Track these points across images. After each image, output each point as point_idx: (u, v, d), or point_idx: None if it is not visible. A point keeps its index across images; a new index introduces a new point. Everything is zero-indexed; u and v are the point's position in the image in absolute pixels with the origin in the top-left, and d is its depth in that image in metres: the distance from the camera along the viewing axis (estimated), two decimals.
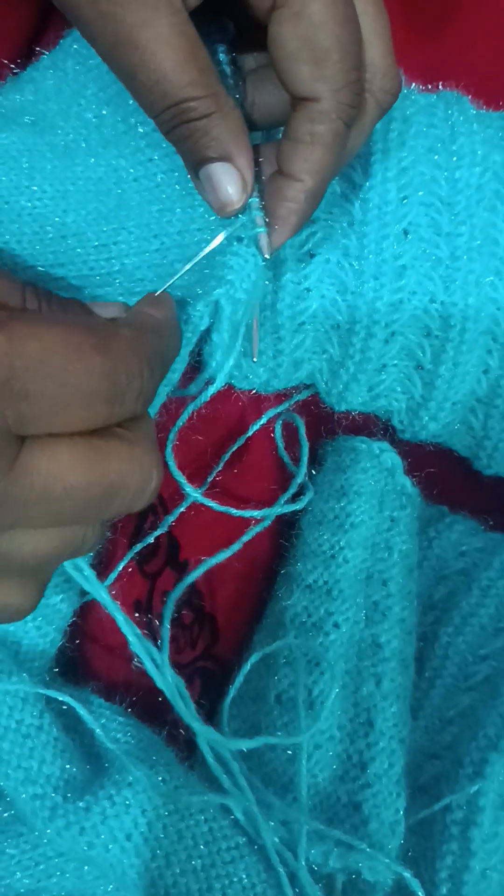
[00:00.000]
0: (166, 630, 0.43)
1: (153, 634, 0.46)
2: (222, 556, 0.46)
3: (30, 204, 0.42)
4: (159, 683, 0.42)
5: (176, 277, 0.39)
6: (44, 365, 0.30)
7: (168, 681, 0.42)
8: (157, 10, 0.33)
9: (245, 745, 0.41)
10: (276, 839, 0.39)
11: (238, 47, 0.41)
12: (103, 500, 0.32)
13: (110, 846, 0.38)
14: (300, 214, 0.39)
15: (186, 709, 0.42)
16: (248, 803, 0.40)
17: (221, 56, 0.40)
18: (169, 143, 0.38)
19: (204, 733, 0.41)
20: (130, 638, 0.42)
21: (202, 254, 0.39)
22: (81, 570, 0.41)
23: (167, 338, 0.36)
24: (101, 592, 0.42)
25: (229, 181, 0.37)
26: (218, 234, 0.39)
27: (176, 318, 0.38)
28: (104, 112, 0.43)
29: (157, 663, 0.42)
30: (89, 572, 0.42)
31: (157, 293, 0.38)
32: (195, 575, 0.46)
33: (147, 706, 0.45)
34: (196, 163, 0.37)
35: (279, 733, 0.42)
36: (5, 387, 0.29)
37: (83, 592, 0.45)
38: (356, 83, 0.37)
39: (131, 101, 0.38)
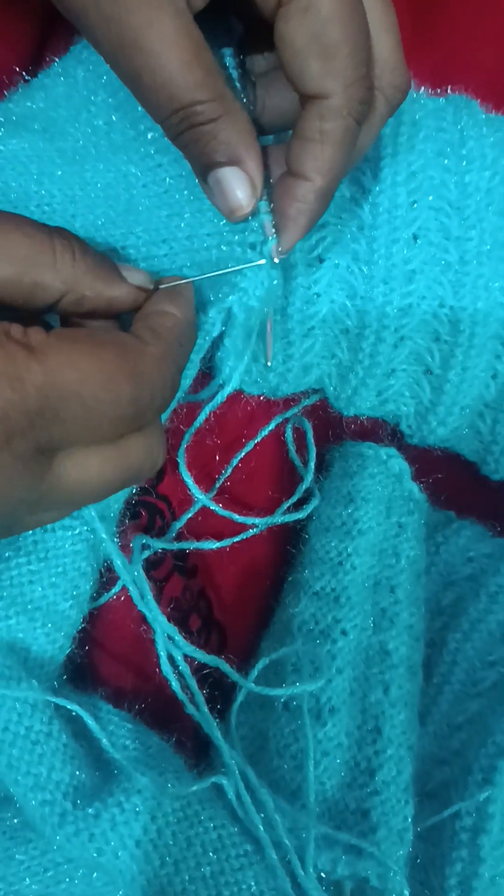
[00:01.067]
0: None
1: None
2: (215, 545, 0.48)
3: (39, 209, 0.42)
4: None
5: (183, 280, 0.39)
6: (77, 396, 0.31)
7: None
8: (160, 11, 0.33)
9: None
10: (277, 836, 0.39)
11: (246, 49, 0.41)
12: (123, 486, 0.37)
13: (120, 853, 0.38)
14: (311, 215, 0.38)
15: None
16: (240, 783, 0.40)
17: (228, 60, 0.40)
18: (176, 148, 0.37)
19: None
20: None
21: (225, 271, 0.40)
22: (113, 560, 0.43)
23: (187, 340, 0.37)
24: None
25: (238, 185, 0.37)
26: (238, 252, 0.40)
27: (194, 311, 0.39)
28: (113, 118, 0.43)
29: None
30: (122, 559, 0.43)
31: (182, 282, 0.39)
32: (177, 526, 0.49)
33: (156, 713, 0.45)
34: (204, 168, 0.37)
35: (287, 742, 0.42)
36: (40, 416, 0.31)
37: (92, 599, 0.45)
38: (366, 78, 0.36)
39: (140, 108, 0.38)
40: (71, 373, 0.31)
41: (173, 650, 0.43)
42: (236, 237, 0.41)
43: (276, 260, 0.39)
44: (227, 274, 0.40)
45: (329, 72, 0.35)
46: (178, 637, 0.43)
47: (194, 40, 0.34)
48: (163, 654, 0.43)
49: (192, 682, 0.43)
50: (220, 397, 0.43)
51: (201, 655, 0.43)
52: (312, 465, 0.49)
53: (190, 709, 0.43)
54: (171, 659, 0.43)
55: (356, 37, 0.35)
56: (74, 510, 0.38)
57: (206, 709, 0.43)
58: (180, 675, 0.43)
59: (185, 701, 0.43)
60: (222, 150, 0.36)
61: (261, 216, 0.39)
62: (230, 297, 0.40)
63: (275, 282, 0.40)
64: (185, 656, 0.43)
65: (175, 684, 0.43)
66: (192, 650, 0.43)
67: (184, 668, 0.44)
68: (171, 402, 0.36)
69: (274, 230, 0.39)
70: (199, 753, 0.44)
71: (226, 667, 0.43)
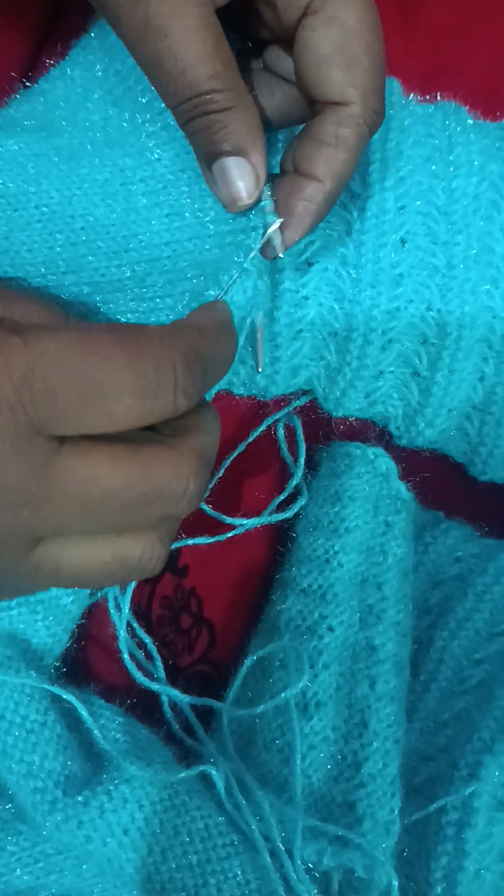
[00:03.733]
0: None
1: (150, 633, 0.47)
2: (200, 541, 0.48)
3: (38, 210, 0.42)
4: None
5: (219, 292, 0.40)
6: (61, 361, 0.30)
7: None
8: (188, 1, 0.34)
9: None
10: (265, 826, 0.40)
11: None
12: (141, 504, 0.33)
13: (108, 840, 0.38)
14: (317, 215, 0.39)
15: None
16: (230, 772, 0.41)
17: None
18: (184, 134, 0.38)
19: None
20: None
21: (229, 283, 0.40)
22: None
23: (213, 336, 0.36)
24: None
25: (242, 176, 0.37)
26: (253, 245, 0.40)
27: (229, 322, 0.38)
28: (110, 112, 0.44)
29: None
30: None
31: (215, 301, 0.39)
32: None
33: (146, 707, 0.45)
34: (211, 155, 0.38)
35: (274, 736, 0.43)
36: (25, 387, 0.30)
37: (92, 594, 0.46)
38: (381, 89, 0.38)
39: (139, 100, 0.39)
40: (51, 342, 0.30)
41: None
42: (239, 237, 0.42)
43: (282, 255, 0.40)
44: (216, 268, 0.40)
45: (350, 81, 0.37)
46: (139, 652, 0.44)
47: (216, 32, 0.35)
48: (138, 674, 0.44)
49: (175, 692, 0.44)
50: (207, 397, 0.44)
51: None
52: (302, 460, 0.49)
53: (168, 712, 0.44)
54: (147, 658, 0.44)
55: (377, 49, 0.37)
56: (82, 528, 0.33)
57: (189, 710, 0.44)
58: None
59: (169, 713, 0.44)
60: (231, 140, 0.37)
61: (265, 216, 0.40)
62: (209, 292, 0.41)
63: (262, 286, 0.41)
64: (178, 657, 0.44)
65: (161, 692, 0.44)
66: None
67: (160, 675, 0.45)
68: (200, 394, 0.34)
69: (277, 228, 0.40)
70: (189, 747, 0.44)
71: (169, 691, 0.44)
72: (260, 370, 0.47)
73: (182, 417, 0.35)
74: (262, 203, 0.39)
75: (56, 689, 0.40)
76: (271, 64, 0.41)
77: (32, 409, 0.30)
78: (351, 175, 0.39)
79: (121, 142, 0.43)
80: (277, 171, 0.42)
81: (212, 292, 0.42)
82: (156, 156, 0.43)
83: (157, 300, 0.43)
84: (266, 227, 0.40)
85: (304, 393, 0.52)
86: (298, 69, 0.38)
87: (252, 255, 0.40)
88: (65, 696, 0.40)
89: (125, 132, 0.44)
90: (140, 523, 0.34)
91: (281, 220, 0.39)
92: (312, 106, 0.39)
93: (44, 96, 0.45)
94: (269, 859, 0.38)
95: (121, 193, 0.43)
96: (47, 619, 0.43)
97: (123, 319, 0.44)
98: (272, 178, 0.40)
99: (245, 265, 0.40)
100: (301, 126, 0.40)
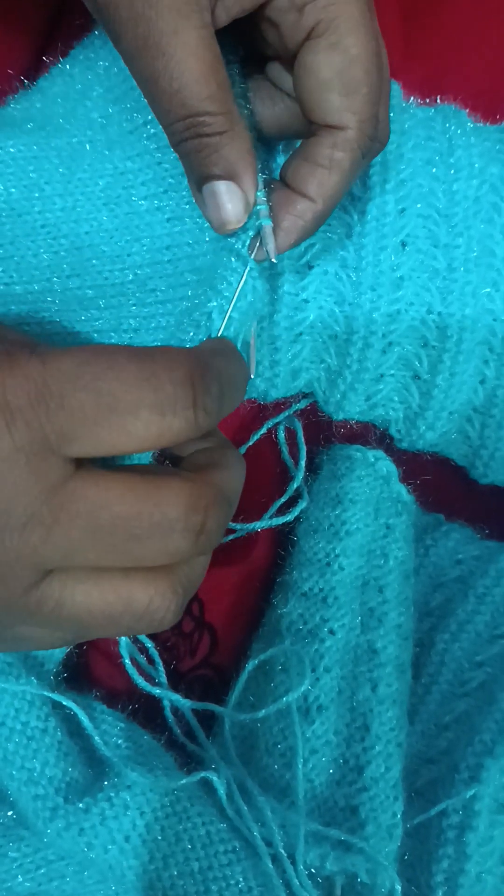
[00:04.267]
0: None
1: (152, 637, 0.47)
2: None
3: (41, 216, 0.43)
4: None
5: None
6: (77, 378, 0.30)
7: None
8: (188, 21, 0.34)
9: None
10: (267, 832, 0.40)
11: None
12: (153, 535, 0.32)
13: (109, 847, 0.38)
14: (303, 231, 0.40)
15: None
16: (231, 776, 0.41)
17: (237, 78, 0.41)
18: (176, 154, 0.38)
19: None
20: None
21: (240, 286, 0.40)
22: None
23: (228, 358, 0.36)
24: None
25: (231, 199, 0.38)
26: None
27: (236, 349, 0.38)
28: (110, 110, 0.44)
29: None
30: None
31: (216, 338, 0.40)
32: None
33: (148, 714, 0.45)
34: (201, 178, 0.38)
35: (276, 740, 0.43)
36: (41, 402, 0.30)
37: None
38: (376, 118, 0.38)
39: (141, 100, 0.38)
40: (68, 360, 0.30)
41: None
42: (235, 244, 0.42)
43: (274, 260, 0.40)
44: (215, 281, 0.40)
45: (348, 107, 0.37)
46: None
47: (213, 54, 0.35)
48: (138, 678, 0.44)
49: (176, 696, 0.44)
50: None
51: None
52: (303, 463, 0.49)
53: (170, 717, 0.44)
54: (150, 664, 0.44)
55: (376, 78, 0.37)
56: (88, 557, 0.32)
57: (191, 715, 0.44)
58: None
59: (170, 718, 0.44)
60: (221, 164, 0.37)
61: (259, 220, 0.40)
62: (211, 303, 0.41)
63: (260, 286, 0.41)
64: (179, 661, 0.44)
65: (162, 696, 0.44)
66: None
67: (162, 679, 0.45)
68: (221, 415, 0.33)
69: (271, 233, 0.40)
70: (190, 752, 0.44)
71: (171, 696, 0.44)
72: (252, 375, 0.47)
73: (204, 454, 0.35)
74: (257, 207, 0.39)
75: (56, 696, 0.40)
76: (273, 79, 0.42)
77: (49, 425, 0.30)
78: (342, 196, 0.40)
79: (121, 142, 0.43)
80: (277, 175, 0.42)
81: (213, 303, 0.42)
82: (157, 158, 0.43)
83: (159, 305, 0.43)
84: (257, 230, 0.40)
85: (305, 396, 0.52)
86: (298, 90, 0.38)
87: (252, 254, 0.40)
88: (65, 703, 0.40)
89: (125, 132, 0.44)
90: (151, 558, 0.32)
91: (271, 224, 0.40)
92: (310, 125, 0.39)
93: (42, 93, 0.45)
94: (271, 865, 0.38)
95: (123, 198, 0.43)
96: None
97: (126, 323, 0.44)
98: (269, 184, 0.40)
99: (240, 267, 0.40)
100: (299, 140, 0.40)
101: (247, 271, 0.40)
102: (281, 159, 0.45)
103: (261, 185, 0.39)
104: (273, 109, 0.42)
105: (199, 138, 0.36)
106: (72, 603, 0.32)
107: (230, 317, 0.40)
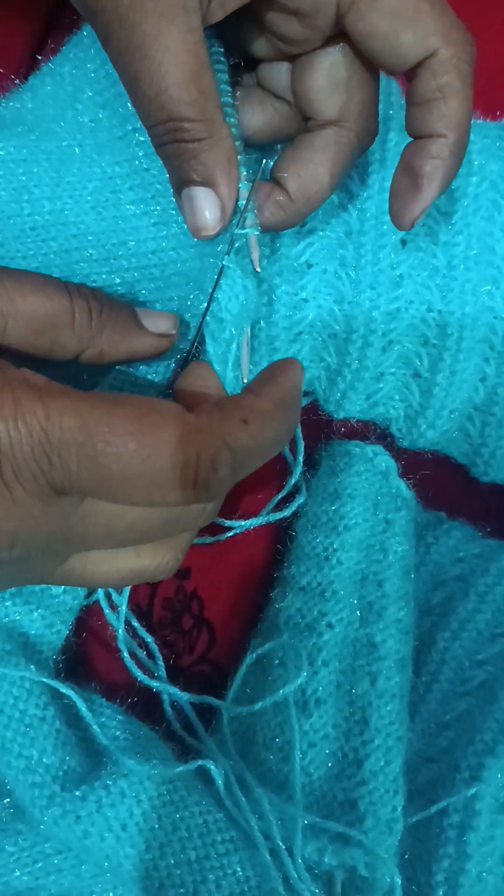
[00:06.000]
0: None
1: (151, 633, 0.47)
2: (203, 541, 0.49)
3: (31, 218, 0.43)
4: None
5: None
6: (78, 443, 0.30)
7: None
8: (172, 25, 0.34)
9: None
10: (265, 824, 0.40)
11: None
12: (163, 528, 0.35)
13: (106, 835, 0.38)
14: (447, 170, 0.38)
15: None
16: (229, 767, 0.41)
17: (225, 84, 0.41)
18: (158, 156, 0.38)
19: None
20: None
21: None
22: None
23: (261, 423, 0.33)
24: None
25: (208, 206, 0.37)
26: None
27: (295, 392, 0.36)
28: (100, 116, 0.44)
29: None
30: None
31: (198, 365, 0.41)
32: None
33: (146, 708, 0.45)
34: (180, 182, 0.38)
35: (274, 734, 0.43)
36: (44, 460, 0.30)
37: (89, 590, 0.46)
38: (458, 23, 0.37)
39: (129, 106, 0.39)
40: (73, 419, 0.30)
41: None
42: (219, 247, 0.42)
43: (258, 269, 0.40)
44: (203, 278, 0.41)
45: (424, 32, 0.36)
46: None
47: (198, 59, 0.35)
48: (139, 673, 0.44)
49: (174, 690, 0.44)
50: None
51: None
52: (300, 457, 0.49)
53: (168, 710, 0.44)
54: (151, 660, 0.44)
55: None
56: (104, 548, 0.35)
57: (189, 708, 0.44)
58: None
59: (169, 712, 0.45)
60: (200, 171, 0.37)
61: (245, 227, 0.40)
62: (202, 306, 0.41)
63: (250, 285, 0.41)
64: (178, 657, 0.44)
65: (161, 689, 0.44)
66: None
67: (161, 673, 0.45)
68: (221, 497, 0.35)
69: (257, 243, 0.40)
70: (189, 745, 0.44)
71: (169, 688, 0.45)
72: (245, 381, 0.46)
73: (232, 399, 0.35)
74: (247, 215, 0.40)
75: (55, 683, 0.40)
76: (265, 81, 0.42)
77: (52, 478, 0.31)
78: (469, 120, 0.38)
79: (110, 147, 0.44)
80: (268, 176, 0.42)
81: (188, 302, 0.42)
82: (145, 165, 0.43)
83: (148, 306, 0.44)
84: (236, 237, 0.40)
85: (305, 394, 0.52)
86: (372, 58, 0.37)
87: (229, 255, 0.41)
88: (63, 691, 0.40)
89: (115, 138, 0.44)
90: (159, 539, 0.36)
91: (257, 233, 0.40)
92: (307, 121, 0.39)
93: (32, 92, 0.45)
94: (268, 857, 0.38)
95: (111, 202, 0.43)
96: (42, 610, 0.43)
97: None
98: (254, 185, 0.40)
99: (234, 271, 0.41)
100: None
101: (220, 273, 0.40)
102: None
103: (249, 193, 0.39)
104: (263, 115, 0.42)
105: (178, 143, 0.36)
106: (92, 576, 0.36)
107: (221, 318, 0.40)
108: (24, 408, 0.30)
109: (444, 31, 0.36)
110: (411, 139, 0.38)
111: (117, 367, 0.41)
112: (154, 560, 0.36)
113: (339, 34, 0.37)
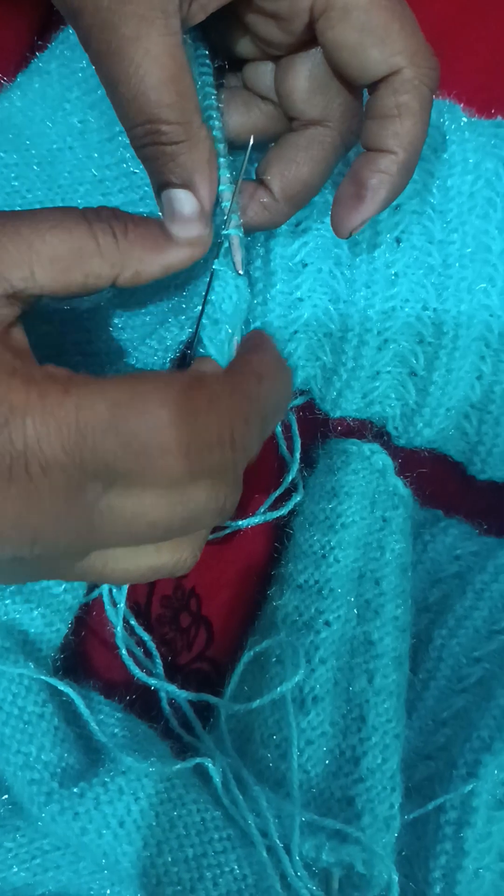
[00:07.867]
0: None
1: (150, 631, 0.47)
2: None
3: None
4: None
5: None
6: (109, 426, 0.31)
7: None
8: (151, 28, 0.34)
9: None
10: (262, 821, 0.40)
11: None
12: (183, 528, 0.35)
13: (103, 832, 0.38)
14: (392, 186, 0.38)
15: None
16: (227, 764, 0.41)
17: (208, 86, 0.41)
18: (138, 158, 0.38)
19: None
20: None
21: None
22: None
23: (273, 380, 0.36)
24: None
25: (186, 208, 0.37)
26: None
27: (279, 354, 0.38)
28: (89, 118, 0.44)
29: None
30: None
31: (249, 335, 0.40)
32: None
33: (144, 706, 0.45)
34: (160, 185, 0.38)
35: (271, 732, 0.43)
36: (76, 450, 0.30)
37: (88, 587, 0.46)
38: (426, 46, 0.37)
39: None
40: (101, 404, 0.31)
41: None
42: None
43: (241, 272, 0.40)
44: (195, 280, 0.41)
45: (391, 51, 0.36)
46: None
47: (176, 62, 0.35)
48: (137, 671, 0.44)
49: (172, 688, 0.45)
50: None
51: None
52: (297, 455, 0.50)
53: (166, 708, 0.44)
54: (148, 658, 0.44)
55: (401, 12, 0.36)
56: (123, 546, 0.36)
57: (188, 707, 0.44)
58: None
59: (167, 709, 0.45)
60: (178, 173, 0.37)
61: (230, 230, 0.40)
62: (197, 308, 0.41)
63: (241, 284, 0.41)
64: (176, 655, 0.44)
65: (159, 687, 0.44)
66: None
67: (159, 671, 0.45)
68: (256, 448, 0.34)
69: (240, 244, 0.40)
70: (187, 743, 0.45)
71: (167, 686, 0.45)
72: None
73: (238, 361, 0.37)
74: (231, 216, 0.40)
75: (53, 681, 0.41)
76: (250, 82, 0.42)
77: (84, 467, 0.31)
78: (422, 142, 0.39)
79: (99, 150, 0.44)
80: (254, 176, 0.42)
81: (183, 305, 0.42)
82: (132, 168, 0.43)
83: (139, 307, 0.44)
84: (223, 238, 0.40)
85: (301, 393, 0.52)
86: (338, 68, 0.38)
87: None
88: (61, 688, 0.41)
89: (103, 140, 0.44)
90: (179, 537, 0.36)
91: (240, 236, 0.40)
92: (292, 122, 0.40)
93: (21, 90, 0.45)
94: (265, 855, 0.38)
95: (101, 204, 0.43)
96: (42, 608, 0.44)
97: (111, 322, 0.44)
98: (238, 186, 0.40)
99: (225, 271, 0.41)
100: None
101: (211, 277, 0.40)
102: None
103: (232, 195, 0.39)
104: (248, 116, 0.42)
105: (157, 146, 0.36)
106: (111, 574, 0.36)
107: (217, 319, 0.40)
108: (51, 400, 0.30)
109: (411, 51, 0.36)
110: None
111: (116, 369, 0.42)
112: (173, 557, 0.36)
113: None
